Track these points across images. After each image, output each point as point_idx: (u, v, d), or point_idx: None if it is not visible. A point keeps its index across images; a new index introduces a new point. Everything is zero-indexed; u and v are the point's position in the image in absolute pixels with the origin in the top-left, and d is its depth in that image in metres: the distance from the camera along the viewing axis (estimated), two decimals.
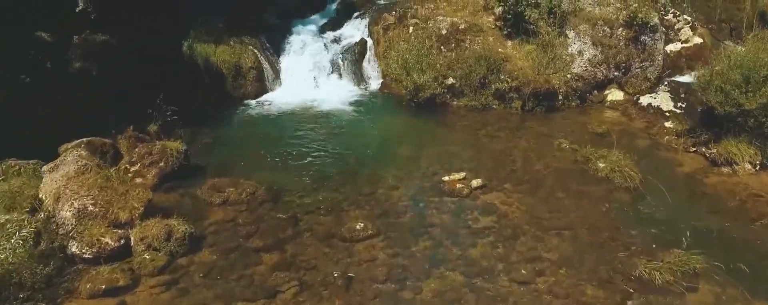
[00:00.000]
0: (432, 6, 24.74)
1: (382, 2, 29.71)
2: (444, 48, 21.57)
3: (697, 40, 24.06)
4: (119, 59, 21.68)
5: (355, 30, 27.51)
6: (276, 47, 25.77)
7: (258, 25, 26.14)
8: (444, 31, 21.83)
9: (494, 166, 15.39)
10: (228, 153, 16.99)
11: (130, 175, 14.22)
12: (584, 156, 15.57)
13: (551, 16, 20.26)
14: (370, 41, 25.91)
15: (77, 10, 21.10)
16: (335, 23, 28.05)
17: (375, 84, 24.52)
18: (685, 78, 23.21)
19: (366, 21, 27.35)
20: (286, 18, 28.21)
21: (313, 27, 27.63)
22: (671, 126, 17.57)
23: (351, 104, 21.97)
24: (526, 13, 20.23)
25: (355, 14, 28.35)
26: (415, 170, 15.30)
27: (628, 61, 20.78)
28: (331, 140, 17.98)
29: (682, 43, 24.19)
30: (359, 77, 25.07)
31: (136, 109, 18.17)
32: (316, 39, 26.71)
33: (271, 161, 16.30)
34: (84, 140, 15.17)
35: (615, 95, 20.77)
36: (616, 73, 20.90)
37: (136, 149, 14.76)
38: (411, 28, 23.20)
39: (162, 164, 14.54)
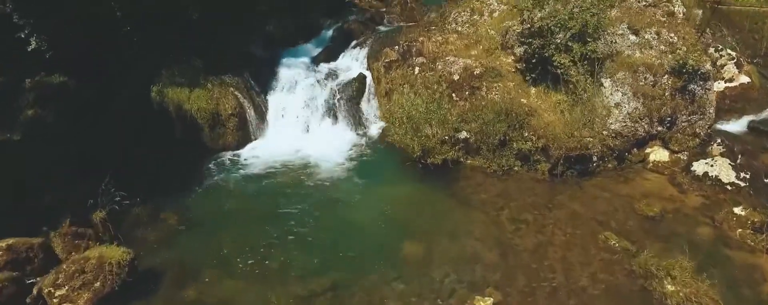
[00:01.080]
0: (439, 39, 20.88)
1: (382, 29, 25.84)
2: (456, 96, 17.78)
3: (744, 79, 20.26)
4: (78, 106, 18.00)
5: (352, 61, 23.62)
6: (263, 84, 21.88)
7: (243, 58, 22.28)
8: (456, 77, 18.01)
9: (528, 282, 11.60)
10: (192, 247, 13.24)
11: (55, 302, 10.53)
12: (643, 268, 11.81)
13: (584, 61, 16.47)
14: (369, 77, 22.05)
15: (30, 50, 17.48)
16: (330, 53, 24.14)
17: (375, 129, 20.71)
18: (733, 125, 19.47)
19: (365, 52, 23.46)
20: (276, 48, 24.27)
21: (305, 59, 23.70)
22: (742, 214, 13.81)
23: (347, 160, 18.19)
24: (554, 59, 16.44)
25: (353, 43, 24.44)
26: (427, 285, 11.54)
27: (674, 114, 17.00)
28: (322, 224, 14.21)
29: (725, 83, 20.41)
30: (357, 121, 21.26)
31: (86, 179, 14.49)
32: (309, 73, 22.80)
33: (244, 266, 12.51)
34: (3, 243, 11.48)
35: (658, 154, 17.00)
36: (659, 128, 17.11)
37: (64, 265, 11.01)
38: (417, 69, 19.37)
39: (98, 284, 10.81)
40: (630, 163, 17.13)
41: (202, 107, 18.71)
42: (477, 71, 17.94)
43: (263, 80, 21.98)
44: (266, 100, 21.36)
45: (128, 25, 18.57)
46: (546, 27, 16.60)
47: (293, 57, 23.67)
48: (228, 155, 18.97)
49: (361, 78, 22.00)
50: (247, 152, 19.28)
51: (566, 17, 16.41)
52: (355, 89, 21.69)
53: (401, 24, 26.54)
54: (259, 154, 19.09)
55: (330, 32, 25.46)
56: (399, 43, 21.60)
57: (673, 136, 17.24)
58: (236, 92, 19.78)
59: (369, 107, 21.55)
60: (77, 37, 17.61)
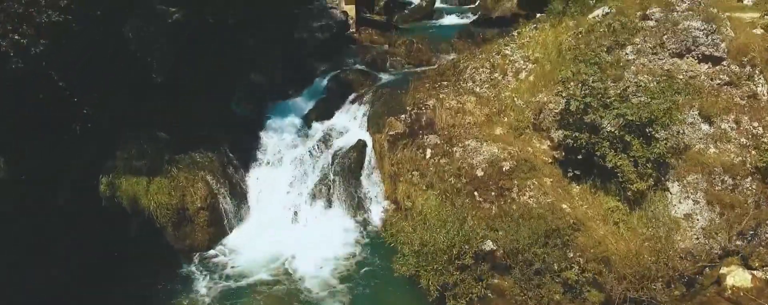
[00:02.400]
0: (454, 104, 16.64)
1: (385, 79, 21.58)
2: (480, 196, 13.65)
3: None
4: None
5: (350, 120, 19.36)
6: (244, 157, 17.62)
7: (222, 121, 18.04)
8: (480, 173, 13.85)
9: None
10: None
11: None
12: None
13: (647, 162, 12.32)
14: (369, 144, 17.91)
15: None
16: (325, 109, 19.85)
17: (376, 214, 16.47)
18: None
19: (364, 110, 19.16)
20: (263, 102, 20.05)
21: (295, 118, 19.41)
22: None
23: (343, 274, 14.15)
24: (609, 160, 12.28)
25: (351, 97, 20.16)
26: None
27: (759, 226, 12.90)
28: None
29: None
30: (355, 203, 17.00)
31: None
32: (299, 139, 18.61)
33: None
34: None
35: (738, 276, 12.82)
36: (738, 243, 13.01)
37: None
38: (428, 152, 15.13)
39: None
40: (701, 287, 12.98)
41: (164, 202, 14.55)
42: (506, 166, 13.71)
43: (244, 150, 17.80)
44: (247, 177, 17.23)
45: (74, 94, 14.40)
46: (592, 109, 12.49)
47: (282, 116, 19.45)
48: (195, 260, 14.85)
49: (361, 146, 17.81)
50: (219, 253, 15.17)
51: (617, 100, 12.34)
52: (353, 161, 17.50)
53: (407, 70, 22.32)
54: (235, 257, 14.98)
55: (325, 82, 21.17)
56: (405, 107, 17.39)
57: (754, 251, 13.07)
58: (208, 176, 15.56)
59: (370, 182, 17.34)
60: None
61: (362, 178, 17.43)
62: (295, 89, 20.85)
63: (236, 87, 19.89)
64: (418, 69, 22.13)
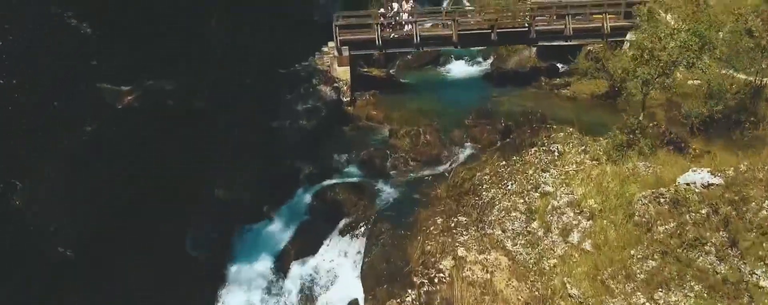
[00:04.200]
0: (479, 274, 11.60)
1: (383, 193, 16.31)
2: None
3: None
4: None
5: (340, 257, 14.16)
6: None
7: (170, 277, 12.98)
8: None
9: None
10: None
11: None
12: None
13: None
14: None
15: None
16: (307, 239, 14.58)
17: None
18: None
19: (358, 246, 14.06)
20: (228, 231, 14.93)
21: (267, 259, 14.31)
22: None
23: None
24: None
25: (341, 224, 15.02)
26: None
27: None
28: None
29: None
30: None
31: None
32: (270, 296, 13.62)
33: None
34: None
35: None
36: None
37: None
38: None
39: None
40: None
41: None
42: None
43: None
44: None
45: None
46: None
47: (251, 255, 14.32)
48: None
49: None
50: None
51: None
52: None
53: (413, 174, 17.06)
54: None
55: (308, 197, 15.98)
56: (412, 266, 12.33)
57: None
58: None
59: None
60: None
61: None
62: (270, 206, 15.69)
63: (193, 214, 14.70)
64: (427, 172, 16.93)
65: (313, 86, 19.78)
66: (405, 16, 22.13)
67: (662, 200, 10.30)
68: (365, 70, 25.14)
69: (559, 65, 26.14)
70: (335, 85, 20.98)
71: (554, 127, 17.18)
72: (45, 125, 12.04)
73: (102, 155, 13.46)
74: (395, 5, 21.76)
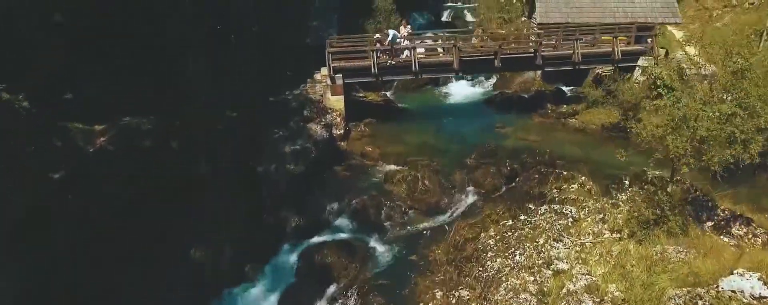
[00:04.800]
0: None
1: (376, 252, 14.57)
2: None
3: None
4: None
5: None
6: None
7: None
8: None
9: None
10: None
11: None
12: None
13: None
14: None
15: None
16: None
17: None
18: None
19: None
20: (208, 297, 13.26)
21: None
22: None
23: None
24: None
25: (332, 288, 13.35)
26: None
27: None
28: None
29: None
30: None
31: None
32: None
33: None
34: None
35: None
36: None
37: None
38: None
39: None
40: None
41: None
42: None
43: None
44: None
45: None
46: None
47: None
48: None
49: None
50: None
51: None
52: None
53: (409, 227, 15.37)
54: None
55: (294, 257, 14.30)
56: None
57: None
58: None
59: None
60: None
61: None
62: (253, 266, 14.02)
63: (167, 277, 13.03)
64: (425, 224, 15.26)
65: (303, 120, 18.01)
66: (403, 42, 20.34)
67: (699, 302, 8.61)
68: (361, 95, 23.41)
69: (566, 89, 24.41)
70: (327, 119, 19.21)
71: (564, 174, 15.53)
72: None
73: (65, 212, 11.96)
74: (390, 32, 19.96)
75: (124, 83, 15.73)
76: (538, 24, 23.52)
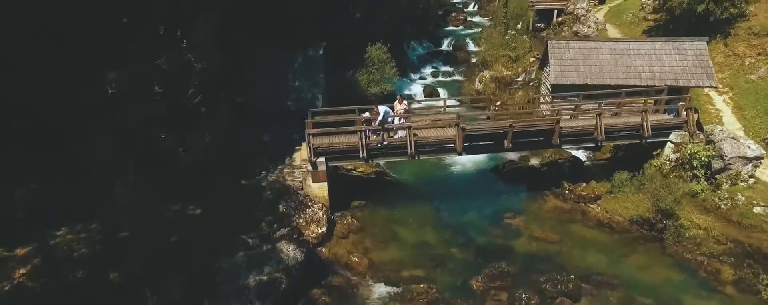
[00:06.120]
0: None
1: None
2: None
3: None
4: None
5: None
6: None
7: None
8: None
9: None
10: None
11: None
12: None
13: None
14: None
15: None
16: None
17: None
18: None
19: None
20: None
21: None
22: None
23: None
24: None
25: None
26: None
27: None
28: None
29: None
30: None
31: None
32: None
33: None
34: None
35: None
36: None
37: None
38: None
39: None
40: None
41: None
42: None
43: None
44: None
45: None
46: None
47: None
48: None
49: None
50: None
51: None
52: None
53: None
54: None
55: None
56: None
57: None
58: None
59: None
60: None
61: None
62: None
63: None
64: None
65: (276, 228, 14.51)
66: (397, 120, 16.79)
67: None
68: (349, 167, 19.89)
69: (583, 156, 20.88)
70: (308, 215, 15.76)
71: None
72: None
73: None
74: (382, 108, 16.39)
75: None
76: (553, 85, 19.94)
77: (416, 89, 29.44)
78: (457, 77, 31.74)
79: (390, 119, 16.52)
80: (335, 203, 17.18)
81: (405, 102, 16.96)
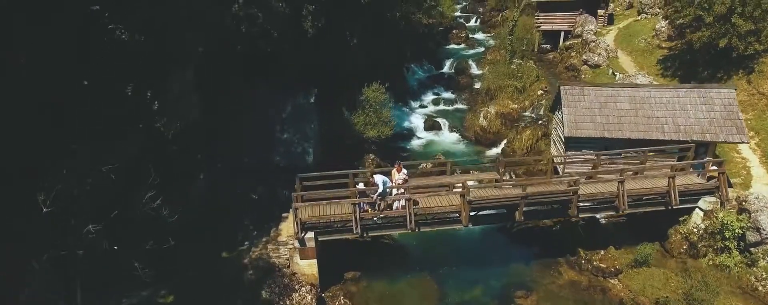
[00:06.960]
0: None
1: None
2: None
3: None
4: None
5: None
6: None
7: None
8: None
9: None
10: None
11: None
12: None
13: None
14: None
15: None
16: None
17: None
18: None
19: None
20: None
21: None
22: None
23: None
24: None
25: None
26: None
27: None
28: None
29: None
30: None
31: None
32: None
33: None
34: None
35: None
36: None
37: None
38: None
39: None
40: None
41: None
42: None
43: None
44: None
45: None
46: None
47: None
48: None
49: None
50: None
51: None
52: None
53: None
54: None
55: None
56: None
57: None
58: None
59: None
60: None
61: None
62: None
63: None
64: None
65: None
66: (395, 191, 14.68)
67: None
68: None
69: (599, 215, 18.70)
70: (294, 300, 13.65)
71: None
72: None
73: None
74: (379, 179, 14.26)
75: None
76: (566, 137, 17.79)
77: (416, 122, 27.28)
78: (459, 105, 29.53)
79: (388, 189, 14.40)
80: (326, 279, 15.12)
81: (404, 170, 14.80)
